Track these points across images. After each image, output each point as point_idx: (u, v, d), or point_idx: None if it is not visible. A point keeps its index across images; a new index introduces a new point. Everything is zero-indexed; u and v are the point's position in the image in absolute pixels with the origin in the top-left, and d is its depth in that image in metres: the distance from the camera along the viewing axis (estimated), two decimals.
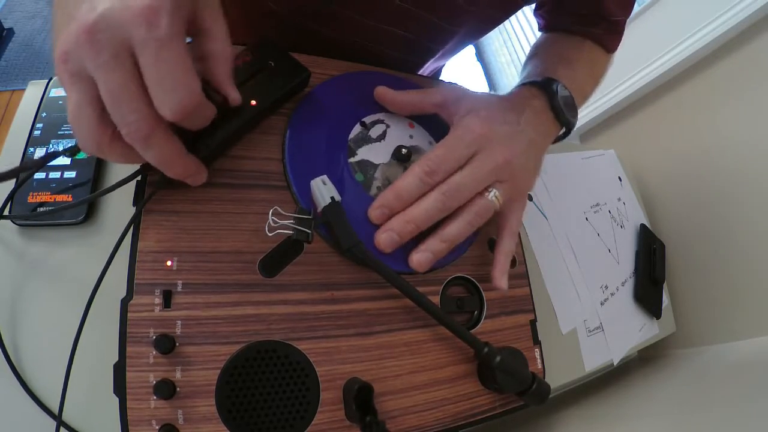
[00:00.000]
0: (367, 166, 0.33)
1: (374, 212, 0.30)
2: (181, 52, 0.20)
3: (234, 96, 0.26)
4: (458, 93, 0.35)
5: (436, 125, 0.37)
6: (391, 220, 0.30)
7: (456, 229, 0.30)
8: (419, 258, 0.30)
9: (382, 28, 0.40)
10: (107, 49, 0.19)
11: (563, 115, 0.36)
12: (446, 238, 0.30)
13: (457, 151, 0.31)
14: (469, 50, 2.39)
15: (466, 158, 0.31)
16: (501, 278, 0.33)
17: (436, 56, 0.49)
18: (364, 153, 0.33)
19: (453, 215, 0.31)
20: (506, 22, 0.47)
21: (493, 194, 0.31)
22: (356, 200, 0.31)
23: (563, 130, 0.37)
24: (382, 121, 0.35)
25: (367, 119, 0.34)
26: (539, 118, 0.35)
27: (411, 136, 0.36)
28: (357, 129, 0.34)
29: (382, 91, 0.35)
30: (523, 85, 0.38)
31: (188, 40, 0.25)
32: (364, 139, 0.34)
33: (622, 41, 0.48)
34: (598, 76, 0.47)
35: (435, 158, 0.30)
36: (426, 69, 0.52)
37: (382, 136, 0.35)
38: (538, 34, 0.50)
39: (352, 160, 0.33)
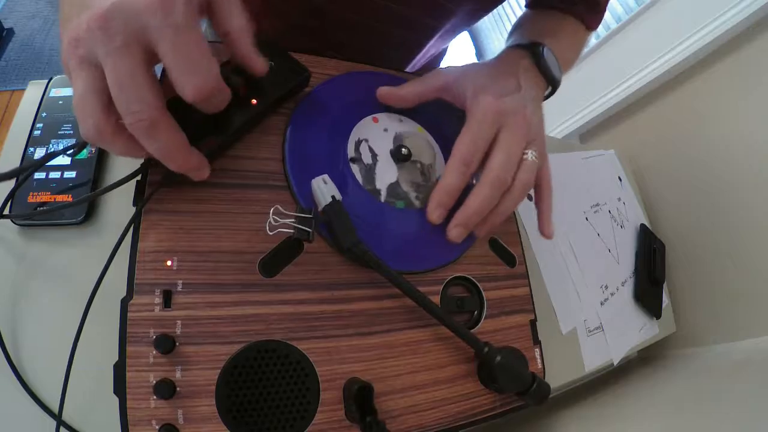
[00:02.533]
0: (394, 190, 0.34)
1: (434, 214, 0.32)
2: (198, 35, 0.21)
3: (259, 66, 0.26)
4: (455, 73, 0.36)
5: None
6: (457, 216, 0.32)
7: (511, 202, 0.33)
8: (480, 231, 0.33)
9: (383, 3, 0.41)
10: (120, 36, 0.19)
11: (550, 72, 0.38)
12: (503, 211, 0.33)
13: (483, 134, 0.32)
14: (469, 49, 2.39)
15: (492, 136, 0.32)
16: (548, 227, 0.36)
17: (436, 36, 0.49)
18: (380, 182, 0.33)
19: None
20: (506, 20, 0.48)
21: (530, 155, 0.33)
22: (416, 221, 0.33)
23: (549, 89, 0.39)
24: (360, 141, 0.34)
25: (349, 152, 0.33)
26: (531, 76, 0.37)
27: (386, 130, 0.36)
28: (356, 168, 0.33)
29: (385, 91, 0.35)
30: (509, 48, 0.39)
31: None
32: (369, 171, 0.33)
33: (621, 41, 0.49)
34: (578, 50, 0.49)
35: (466, 147, 0.32)
36: (427, 51, 0.52)
37: (374, 155, 0.34)
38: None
39: (383, 198, 0.33)
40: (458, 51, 2.32)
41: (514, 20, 0.50)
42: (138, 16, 0.19)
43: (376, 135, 0.35)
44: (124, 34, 0.19)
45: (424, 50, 0.51)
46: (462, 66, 0.37)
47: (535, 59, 0.37)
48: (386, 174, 0.34)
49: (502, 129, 0.32)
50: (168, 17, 0.19)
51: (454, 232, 0.32)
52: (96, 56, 0.20)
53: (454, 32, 0.51)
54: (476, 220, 0.32)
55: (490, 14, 0.49)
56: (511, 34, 0.46)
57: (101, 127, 0.21)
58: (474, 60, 2.36)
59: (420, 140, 0.37)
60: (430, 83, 0.36)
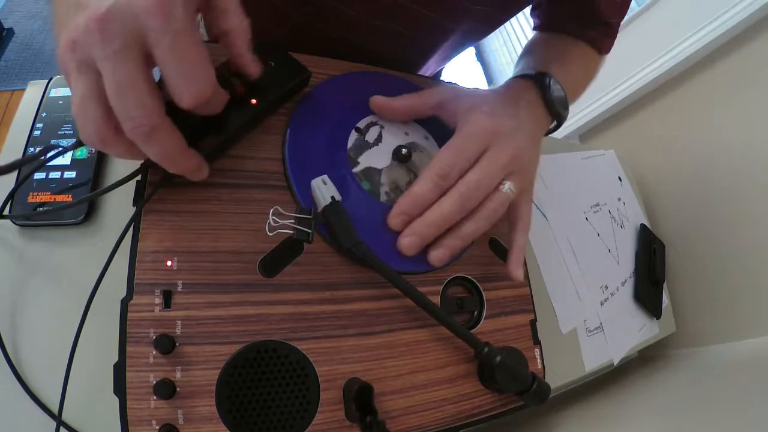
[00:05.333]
0: (371, 173, 0.33)
1: (394, 220, 0.31)
2: (196, 41, 0.20)
3: (253, 70, 0.26)
4: (454, 92, 0.35)
5: (429, 119, 0.36)
6: (412, 225, 0.31)
7: (474, 227, 0.31)
8: (437, 255, 0.31)
9: (381, 25, 0.40)
10: (118, 40, 0.19)
11: (555, 108, 0.36)
12: (464, 235, 0.31)
13: (467, 151, 0.31)
14: (469, 50, 2.39)
15: (476, 156, 0.31)
16: (517, 270, 0.33)
17: (435, 57, 0.49)
18: (365, 160, 0.33)
19: (470, 212, 0.31)
20: (506, 22, 0.47)
21: (507, 187, 0.31)
22: (368, 208, 0.32)
23: (554, 123, 0.38)
24: (376, 123, 0.35)
25: (361, 123, 0.34)
26: (534, 110, 0.36)
27: (407, 133, 0.36)
28: (353, 136, 0.33)
29: (378, 101, 0.34)
30: (516, 78, 0.38)
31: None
32: (363, 146, 0.33)
33: (621, 41, 0.48)
34: (590, 75, 0.48)
35: (446, 160, 0.30)
36: (425, 71, 0.52)
37: (378, 139, 0.34)
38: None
39: (356, 170, 0.32)
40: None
41: (516, 24, 0.50)
42: (136, 18, 0.19)
43: (394, 129, 0.35)
44: (122, 37, 0.19)
45: (433, 59, 0.50)
46: (463, 88, 0.36)
47: (541, 91, 0.36)
48: (377, 158, 0.34)
49: (487, 150, 0.31)
50: (167, 22, 0.19)
51: (406, 241, 0.30)
52: (94, 60, 0.19)
53: (469, 39, 0.49)
54: (431, 233, 0.30)
55: None
56: (519, 59, 0.45)
57: (102, 133, 0.21)
58: (474, 60, 2.36)
59: (430, 159, 0.37)
60: (426, 99, 0.35)
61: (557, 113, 0.37)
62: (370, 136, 0.34)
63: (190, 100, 0.21)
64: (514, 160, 0.32)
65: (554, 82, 0.37)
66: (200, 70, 0.20)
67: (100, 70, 0.19)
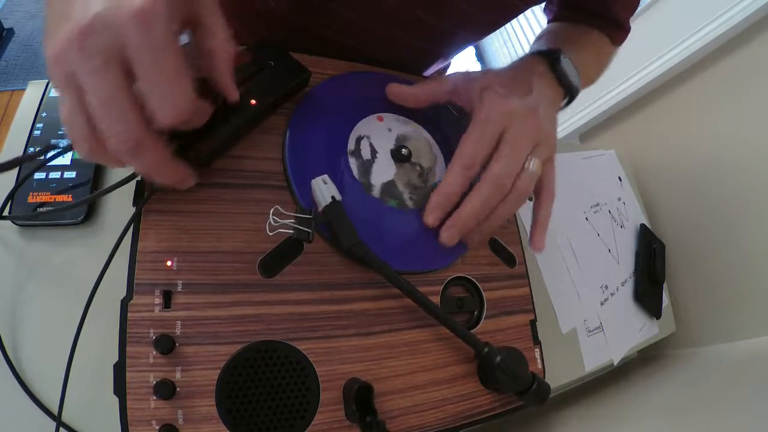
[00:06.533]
0: (389, 188, 0.33)
1: (430, 218, 0.32)
2: (175, 57, 0.20)
3: (232, 94, 0.25)
4: (465, 76, 0.35)
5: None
6: (451, 219, 0.32)
7: (506, 210, 0.32)
8: (473, 238, 0.33)
9: (382, 30, 0.40)
10: (99, 55, 0.19)
11: (566, 79, 0.36)
12: (497, 218, 0.32)
13: (486, 136, 0.31)
14: (469, 50, 2.39)
15: (496, 139, 0.31)
16: (538, 241, 0.34)
17: (434, 58, 0.49)
18: (376, 179, 0.33)
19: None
20: (508, 25, 0.47)
21: (533, 165, 0.32)
22: (405, 223, 0.33)
23: (566, 99, 0.38)
24: (361, 137, 0.34)
25: (350, 146, 0.33)
26: (545, 82, 0.35)
27: (389, 129, 0.36)
28: (353, 162, 0.33)
29: (396, 89, 0.35)
30: (526, 55, 0.38)
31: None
32: (366, 166, 0.33)
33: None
34: (603, 62, 0.48)
35: (468, 150, 0.31)
36: (424, 73, 0.52)
37: (374, 152, 0.34)
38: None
39: (375, 194, 0.33)
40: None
41: (516, 25, 0.50)
42: (117, 31, 0.18)
43: (378, 133, 0.35)
44: (102, 52, 0.18)
45: (432, 60, 0.50)
46: (472, 71, 0.36)
47: (551, 65, 0.36)
48: (383, 172, 0.34)
49: (507, 130, 0.31)
50: (146, 35, 0.18)
51: (446, 234, 0.31)
52: (77, 76, 0.19)
53: (468, 41, 0.49)
54: (471, 224, 0.31)
55: None
56: (532, 46, 0.45)
57: (91, 147, 0.21)
58: (474, 60, 2.36)
59: (422, 143, 0.37)
60: (441, 85, 0.35)
61: (568, 85, 0.36)
62: (365, 152, 0.34)
63: (166, 120, 0.20)
64: (535, 134, 0.32)
65: (564, 56, 0.36)
66: (176, 86, 0.20)
67: (83, 85, 0.19)
